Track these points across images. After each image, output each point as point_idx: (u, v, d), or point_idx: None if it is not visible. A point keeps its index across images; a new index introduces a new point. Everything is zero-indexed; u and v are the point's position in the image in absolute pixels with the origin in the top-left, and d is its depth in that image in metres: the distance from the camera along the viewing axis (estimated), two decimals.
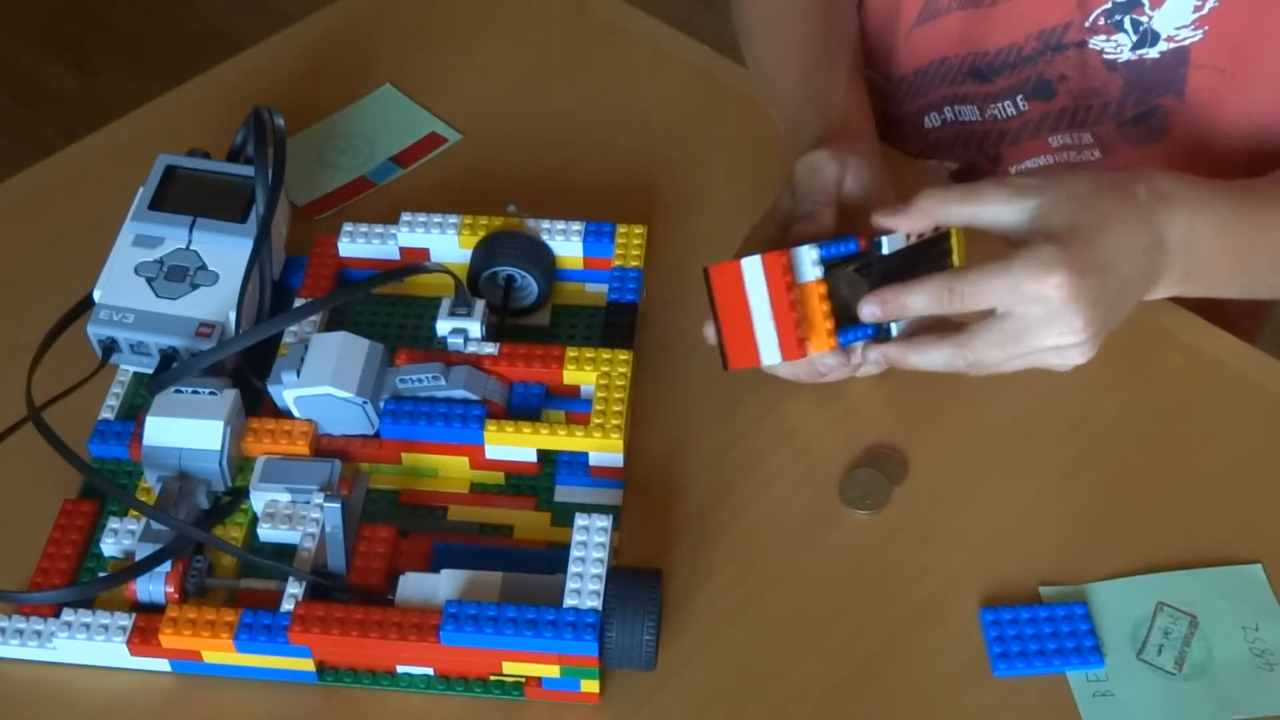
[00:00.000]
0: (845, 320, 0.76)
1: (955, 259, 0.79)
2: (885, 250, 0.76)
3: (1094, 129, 0.94)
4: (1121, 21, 0.89)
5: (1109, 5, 0.89)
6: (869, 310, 0.75)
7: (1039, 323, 0.73)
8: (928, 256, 0.78)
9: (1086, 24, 0.90)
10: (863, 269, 0.77)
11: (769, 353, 0.75)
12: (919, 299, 0.74)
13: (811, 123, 0.86)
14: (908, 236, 0.77)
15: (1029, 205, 0.74)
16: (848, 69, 0.92)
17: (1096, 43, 0.90)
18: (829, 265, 0.75)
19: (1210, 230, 0.77)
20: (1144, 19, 0.88)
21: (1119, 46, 0.90)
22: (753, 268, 0.74)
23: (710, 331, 0.76)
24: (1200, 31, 0.87)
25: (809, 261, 0.74)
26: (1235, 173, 0.89)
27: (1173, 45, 0.88)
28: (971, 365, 0.75)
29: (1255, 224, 0.80)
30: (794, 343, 0.74)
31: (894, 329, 0.78)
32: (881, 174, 0.83)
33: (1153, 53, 0.89)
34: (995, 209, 0.75)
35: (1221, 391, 0.84)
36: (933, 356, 0.76)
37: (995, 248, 0.75)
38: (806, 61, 0.93)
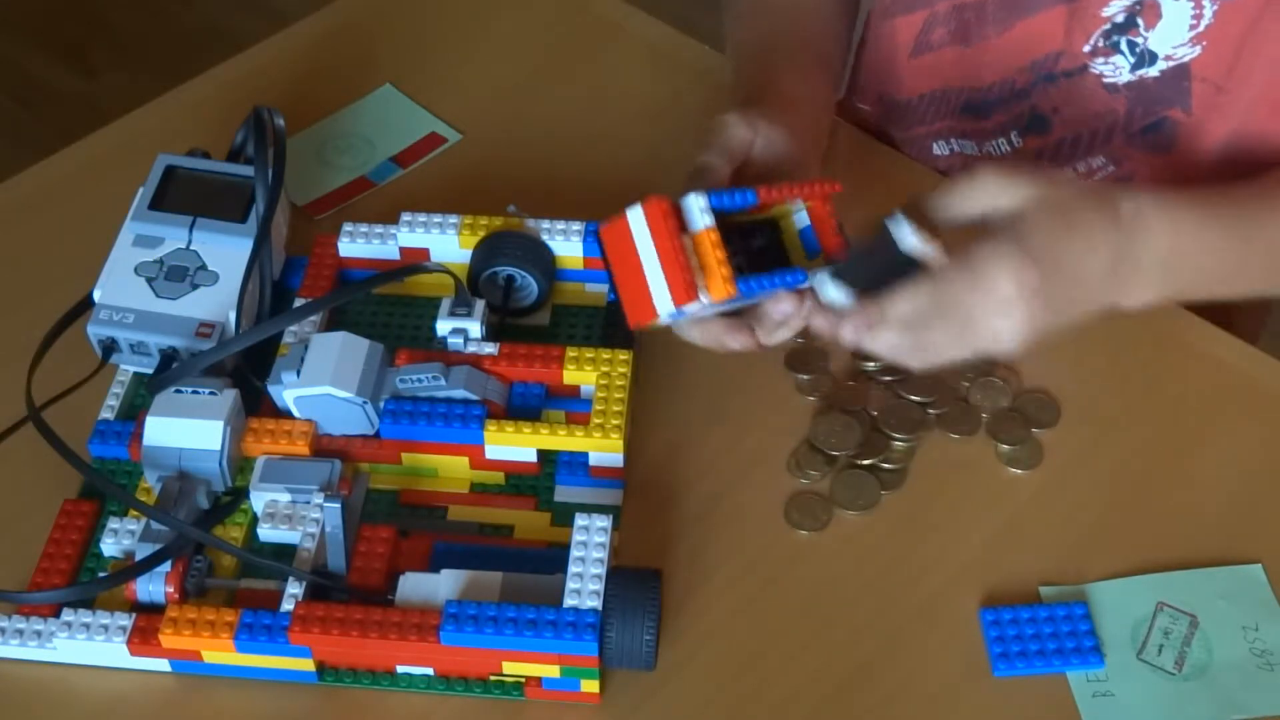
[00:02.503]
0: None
1: None
2: (906, 247, 0.73)
3: (1104, 150, 0.94)
4: (1118, 43, 0.89)
5: (1107, 27, 0.89)
6: (851, 336, 0.73)
7: (986, 311, 0.72)
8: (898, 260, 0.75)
9: (1086, 48, 0.90)
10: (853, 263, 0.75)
11: (662, 302, 0.72)
12: (902, 309, 0.73)
13: (740, 96, 0.85)
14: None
15: (1020, 196, 0.74)
16: (803, 64, 0.92)
17: (1096, 66, 0.90)
18: (731, 221, 0.73)
19: (1196, 251, 0.78)
20: (1140, 39, 0.88)
21: (1118, 69, 0.89)
22: (636, 218, 0.72)
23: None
24: (1198, 47, 0.87)
25: (697, 209, 0.71)
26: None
27: (1172, 64, 0.88)
28: (919, 350, 0.74)
29: (1247, 241, 0.81)
30: (682, 287, 0.71)
31: (811, 283, 0.75)
32: (803, 149, 0.81)
33: (1152, 72, 0.88)
34: (995, 199, 0.74)
35: (1221, 391, 0.84)
36: (879, 344, 0.74)
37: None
38: (762, 50, 0.93)
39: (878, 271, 0.74)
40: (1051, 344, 0.86)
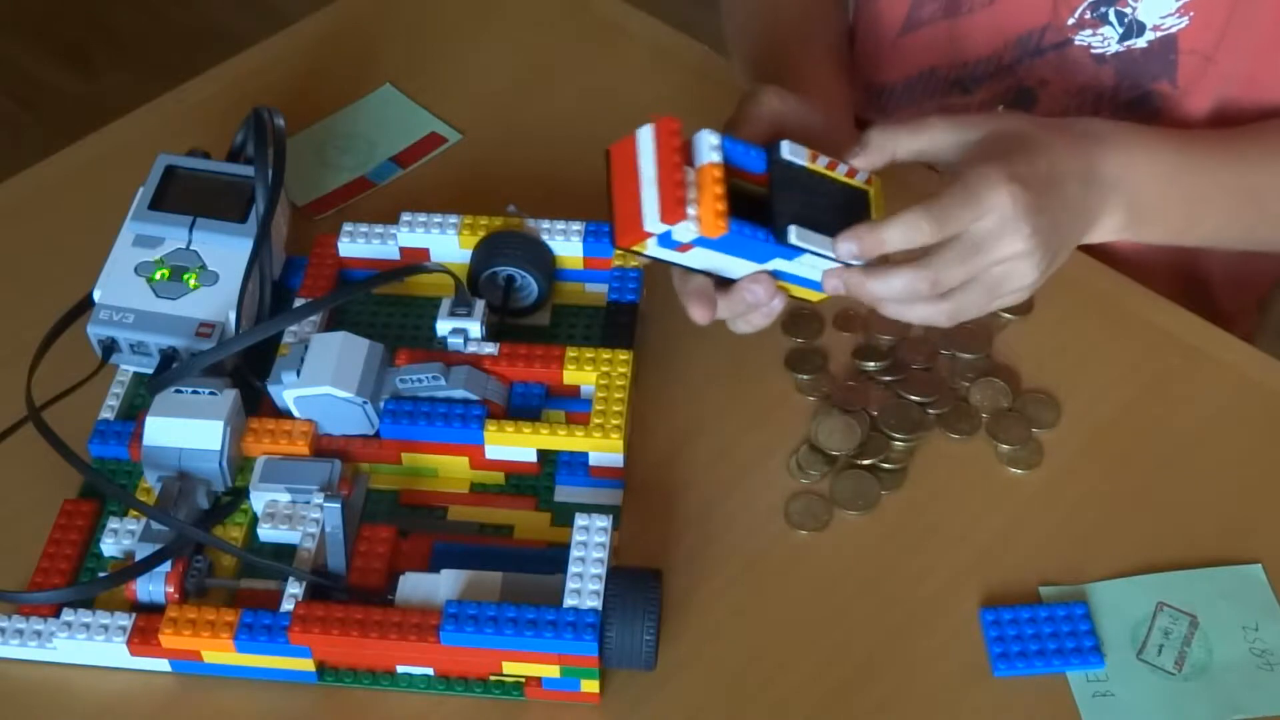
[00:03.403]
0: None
1: (874, 213, 0.76)
2: (786, 155, 0.73)
3: None
4: (1106, 14, 0.89)
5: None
6: (845, 248, 0.72)
7: (992, 234, 0.72)
8: (843, 204, 0.75)
9: (1071, 20, 0.90)
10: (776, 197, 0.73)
11: (650, 219, 0.70)
12: (895, 232, 0.72)
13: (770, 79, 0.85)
14: (814, 158, 0.75)
15: (972, 136, 0.75)
16: (821, 56, 0.92)
17: (1083, 38, 0.91)
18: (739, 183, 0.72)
19: (1150, 173, 0.79)
20: (1128, 10, 0.88)
21: (1106, 40, 0.90)
22: (644, 135, 0.71)
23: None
24: (1186, 18, 0.87)
25: (707, 145, 0.71)
26: None
27: (1160, 34, 0.88)
28: (934, 285, 0.73)
29: (1205, 172, 0.82)
30: (672, 203, 0.69)
31: (797, 241, 0.73)
32: (832, 130, 0.81)
33: (1140, 42, 0.89)
34: (942, 140, 0.75)
35: (1221, 391, 0.84)
36: (893, 282, 0.73)
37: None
38: (779, 43, 0.94)
39: (828, 211, 0.73)
40: (1052, 344, 0.87)
